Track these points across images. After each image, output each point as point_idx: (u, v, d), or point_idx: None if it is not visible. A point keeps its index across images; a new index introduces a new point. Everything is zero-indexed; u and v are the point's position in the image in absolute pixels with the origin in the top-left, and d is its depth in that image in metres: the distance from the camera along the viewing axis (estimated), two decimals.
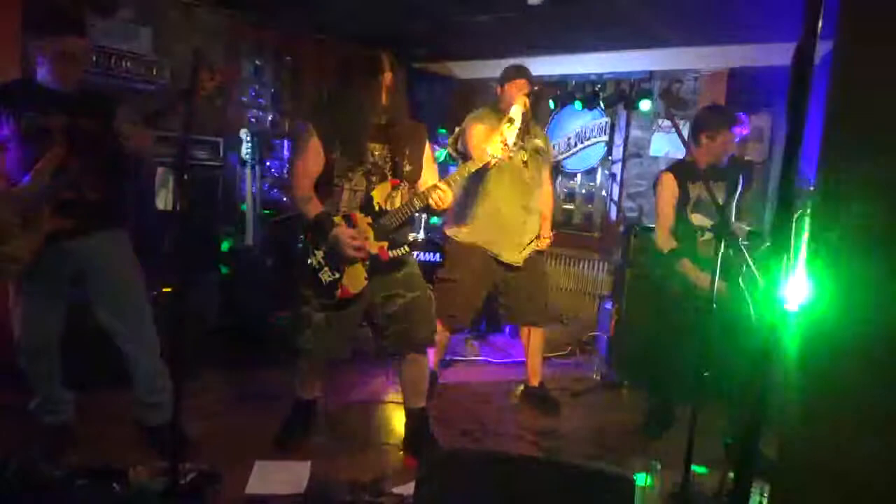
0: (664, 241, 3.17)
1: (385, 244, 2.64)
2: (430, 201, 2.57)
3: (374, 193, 2.64)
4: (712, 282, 2.23)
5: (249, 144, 4.35)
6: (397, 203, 2.67)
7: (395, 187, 2.68)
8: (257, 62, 5.02)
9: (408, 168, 2.70)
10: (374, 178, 2.65)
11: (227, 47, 4.78)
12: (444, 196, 2.57)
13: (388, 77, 2.59)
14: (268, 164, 4.88)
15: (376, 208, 2.64)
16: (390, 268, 2.68)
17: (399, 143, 2.68)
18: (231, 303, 4.16)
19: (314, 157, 2.62)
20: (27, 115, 2.41)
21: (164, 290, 3.46)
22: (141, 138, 2.48)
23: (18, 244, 2.37)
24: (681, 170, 3.21)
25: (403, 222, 2.67)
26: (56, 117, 2.42)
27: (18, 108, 2.42)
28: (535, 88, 3.31)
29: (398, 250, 2.67)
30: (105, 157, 2.49)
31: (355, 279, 2.62)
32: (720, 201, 2.93)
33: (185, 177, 1.95)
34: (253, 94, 5.01)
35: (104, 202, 2.53)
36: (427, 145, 2.80)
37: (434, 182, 2.65)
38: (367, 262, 2.62)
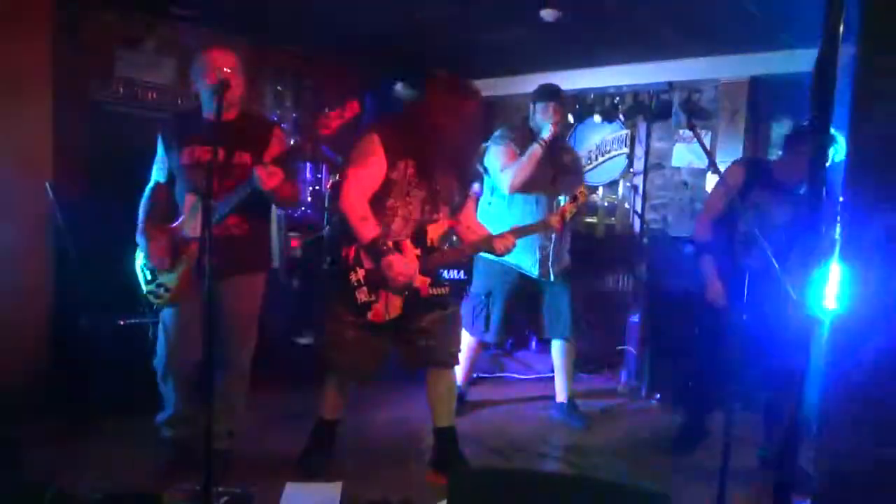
0: (702, 230, 3.03)
1: (428, 280, 2.59)
2: (496, 249, 2.68)
3: (430, 228, 2.60)
4: (744, 290, 2.19)
5: None
6: (445, 242, 2.67)
7: (450, 227, 2.69)
8: (278, 87, 5.10)
9: (458, 199, 2.71)
10: (428, 207, 2.60)
11: (248, 73, 4.85)
12: (510, 246, 2.69)
13: (476, 104, 2.59)
14: None
15: (428, 244, 2.60)
16: (426, 301, 2.63)
17: (464, 173, 2.70)
18: (258, 324, 4.18)
19: (376, 172, 2.50)
20: (187, 148, 2.50)
21: None
22: (272, 178, 2.33)
23: (171, 276, 2.53)
24: (754, 169, 2.95)
25: (448, 265, 2.69)
26: (210, 151, 2.36)
27: (180, 140, 2.52)
28: (565, 109, 3.36)
29: (439, 290, 2.63)
30: (253, 195, 2.40)
31: (392, 306, 2.56)
32: (780, 219, 2.80)
33: (213, 203, 1.97)
34: (276, 118, 5.09)
35: (248, 242, 2.56)
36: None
37: (474, 217, 2.79)
38: (407, 294, 2.57)
